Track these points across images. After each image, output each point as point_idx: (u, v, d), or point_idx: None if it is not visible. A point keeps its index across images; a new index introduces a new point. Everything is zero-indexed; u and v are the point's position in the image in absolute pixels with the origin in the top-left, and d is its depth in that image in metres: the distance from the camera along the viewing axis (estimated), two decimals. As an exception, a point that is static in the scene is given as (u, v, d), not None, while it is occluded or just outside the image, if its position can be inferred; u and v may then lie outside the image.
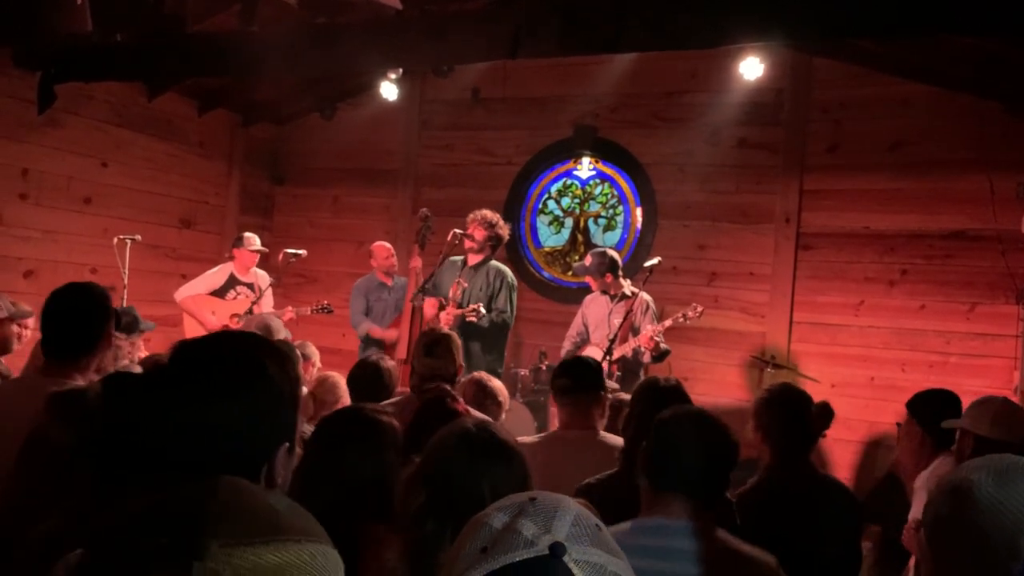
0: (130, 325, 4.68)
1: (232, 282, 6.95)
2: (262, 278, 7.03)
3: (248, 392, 1.33)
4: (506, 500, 1.02)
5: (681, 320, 5.84)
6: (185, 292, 6.87)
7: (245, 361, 1.36)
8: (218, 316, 6.74)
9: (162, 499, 0.86)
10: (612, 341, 5.76)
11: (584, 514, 1.00)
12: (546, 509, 0.98)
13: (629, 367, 5.91)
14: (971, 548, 1.20)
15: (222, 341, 1.43)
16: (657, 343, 5.78)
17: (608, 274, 6.11)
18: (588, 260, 6.22)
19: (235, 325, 6.53)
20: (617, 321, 5.93)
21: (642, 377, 5.88)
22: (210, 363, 1.35)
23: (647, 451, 2.25)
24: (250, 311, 6.46)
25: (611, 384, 4.49)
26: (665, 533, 2.04)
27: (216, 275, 6.98)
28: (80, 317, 2.78)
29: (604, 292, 6.19)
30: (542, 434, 3.82)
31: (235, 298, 6.89)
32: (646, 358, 5.93)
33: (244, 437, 1.32)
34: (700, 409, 2.42)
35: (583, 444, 3.39)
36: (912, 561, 3.71)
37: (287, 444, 1.39)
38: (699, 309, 5.86)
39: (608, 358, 5.74)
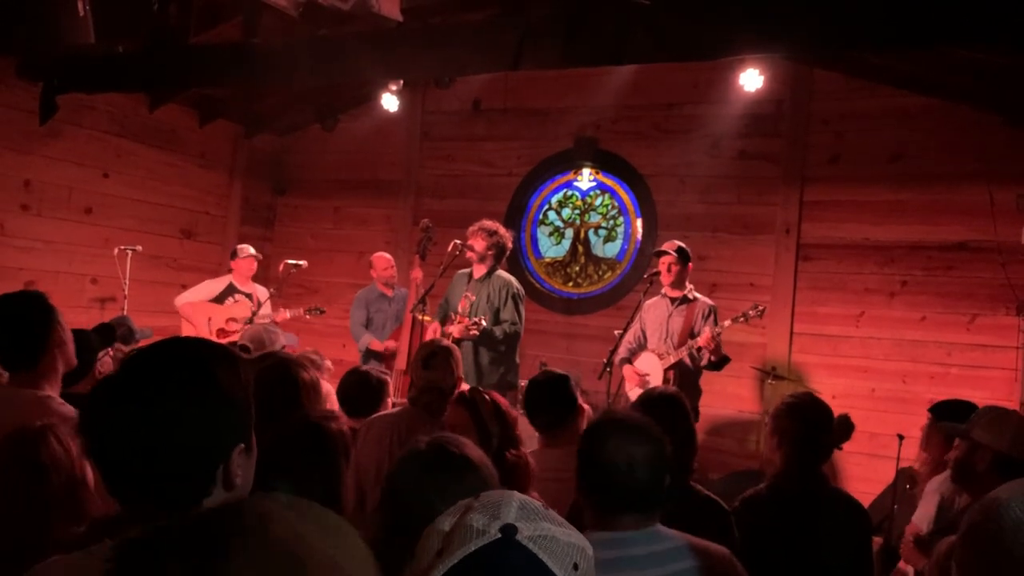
0: (125, 336, 4.68)
1: (231, 290, 7.02)
2: (261, 292, 7.10)
3: (197, 394, 1.34)
4: (452, 507, 1.04)
5: (742, 320, 5.55)
6: (185, 298, 6.94)
7: (192, 364, 1.38)
8: (214, 321, 6.78)
9: (177, 545, 0.80)
10: (610, 354, 5.72)
11: (529, 499, 1.03)
12: (491, 501, 1.01)
13: (687, 374, 5.65)
14: (996, 569, 1.21)
15: (170, 346, 1.44)
16: (718, 346, 5.45)
17: (690, 264, 5.81)
18: (670, 244, 5.81)
19: (232, 328, 6.57)
20: (676, 325, 5.71)
21: (699, 386, 5.79)
22: (157, 368, 1.37)
23: (585, 473, 2.14)
24: (251, 320, 6.49)
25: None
26: (615, 545, 2.00)
27: (216, 283, 7.05)
28: (19, 326, 2.73)
29: (664, 295, 5.85)
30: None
31: (233, 303, 6.94)
32: (704, 362, 5.61)
33: (196, 439, 1.33)
34: (623, 419, 2.23)
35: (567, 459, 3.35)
36: (908, 569, 3.70)
37: (242, 445, 1.39)
38: (760, 308, 5.59)
39: (608, 369, 5.70)
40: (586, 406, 4.13)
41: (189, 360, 1.38)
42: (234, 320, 6.71)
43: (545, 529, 0.98)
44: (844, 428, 3.17)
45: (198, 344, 1.46)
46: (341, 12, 5.00)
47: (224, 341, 6.46)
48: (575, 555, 0.99)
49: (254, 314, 6.67)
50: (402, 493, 1.86)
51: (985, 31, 3.89)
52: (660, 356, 5.70)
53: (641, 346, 5.94)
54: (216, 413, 1.36)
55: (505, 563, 0.95)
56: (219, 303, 6.94)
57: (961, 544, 1.30)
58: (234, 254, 7.16)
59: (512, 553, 0.95)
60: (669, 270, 5.76)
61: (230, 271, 7.17)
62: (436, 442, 1.93)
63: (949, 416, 3.43)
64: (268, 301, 7.01)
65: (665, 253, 5.79)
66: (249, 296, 7.00)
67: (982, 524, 1.25)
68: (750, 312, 5.58)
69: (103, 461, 1.34)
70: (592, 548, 1.98)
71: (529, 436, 3.65)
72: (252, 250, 7.16)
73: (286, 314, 6.84)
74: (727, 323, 5.59)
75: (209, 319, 6.80)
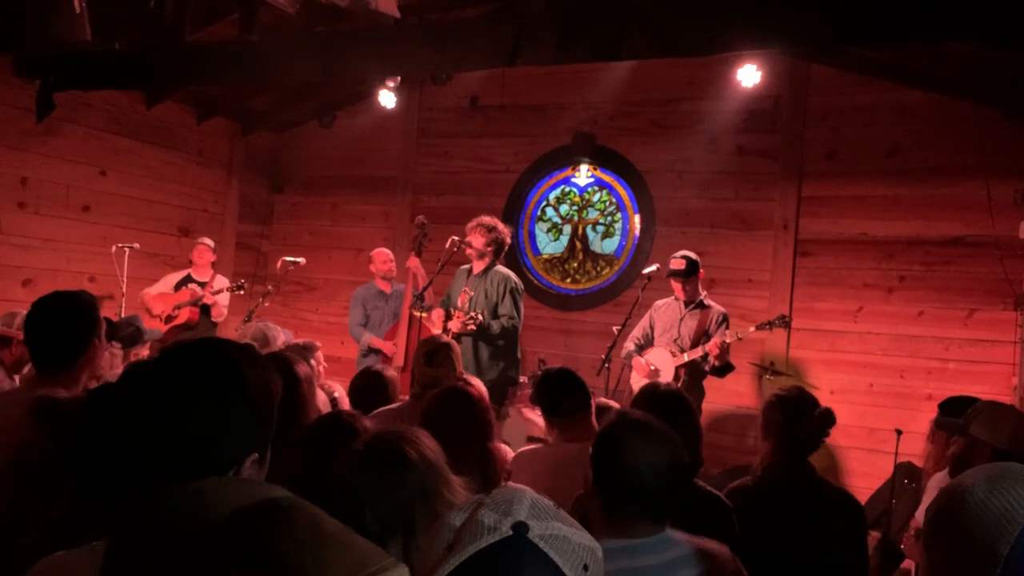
0: (132, 336, 4.66)
1: (186, 280, 7.16)
2: (219, 281, 7.23)
3: (221, 391, 1.33)
4: (463, 503, 1.04)
5: (767, 327, 5.67)
6: (149, 291, 7.07)
7: (223, 362, 1.37)
8: (164, 308, 6.96)
9: (235, 539, 0.78)
10: (608, 351, 5.72)
11: (540, 497, 1.02)
12: (503, 498, 1.00)
13: (694, 374, 5.78)
14: (958, 551, 1.22)
15: (207, 343, 1.44)
16: (723, 352, 5.58)
17: (700, 272, 5.88)
18: (677, 264, 5.79)
19: (177, 315, 6.87)
20: (689, 329, 5.77)
21: (703, 386, 5.85)
22: (191, 360, 1.36)
23: (601, 477, 2.09)
24: (198, 303, 6.86)
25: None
26: (632, 553, 1.98)
27: (174, 276, 7.23)
28: (63, 326, 2.66)
29: (677, 299, 5.91)
30: (542, 443, 3.79)
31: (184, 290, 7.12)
32: (707, 367, 5.72)
33: (211, 433, 1.32)
34: (645, 425, 2.14)
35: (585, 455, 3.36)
36: (910, 565, 3.71)
37: (256, 455, 1.38)
38: (787, 318, 5.73)
39: (607, 366, 5.71)
40: (616, 404, 4.12)
41: (222, 358, 1.38)
42: (178, 306, 6.91)
43: (556, 528, 0.97)
44: (824, 420, 3.18)
45: (234, 346, 1.46)
46: (338, 9, 5.01)
47: (171, 326, 6.71)
48: (585, 556, 0.98)
49: (198, 301, 6.90)
50: (332, 492, 1.79)
51: (983, 24, 3.89)
52: (673, 354, 5.74)
53: (649, 342, 5.99)
54: (235, 415, 1.34)
55: (516, 561, 0.94)
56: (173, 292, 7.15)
57: (928, 527, 1.31)
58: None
59: (523, 551, 0.94)
60: (683, 290, 5.84)
61: (191, 264, 7.34)
62: (373, 439, 1.90)
63: (957, 412, 3.42)
64: (224, 293, 7.10)
65: (675, 274, 5.80)
66: (202, 285, 7.12)
67: (947, 508, 1.26)
68: (775, 321, 5.68)
69: (119, 445, 1.32)
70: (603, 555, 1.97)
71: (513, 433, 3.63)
72: (206, 240, 7.32)
73: (213, 296, 7.01)
74: (751, 329, 5.67)
75: (163, 310, 6.99)
